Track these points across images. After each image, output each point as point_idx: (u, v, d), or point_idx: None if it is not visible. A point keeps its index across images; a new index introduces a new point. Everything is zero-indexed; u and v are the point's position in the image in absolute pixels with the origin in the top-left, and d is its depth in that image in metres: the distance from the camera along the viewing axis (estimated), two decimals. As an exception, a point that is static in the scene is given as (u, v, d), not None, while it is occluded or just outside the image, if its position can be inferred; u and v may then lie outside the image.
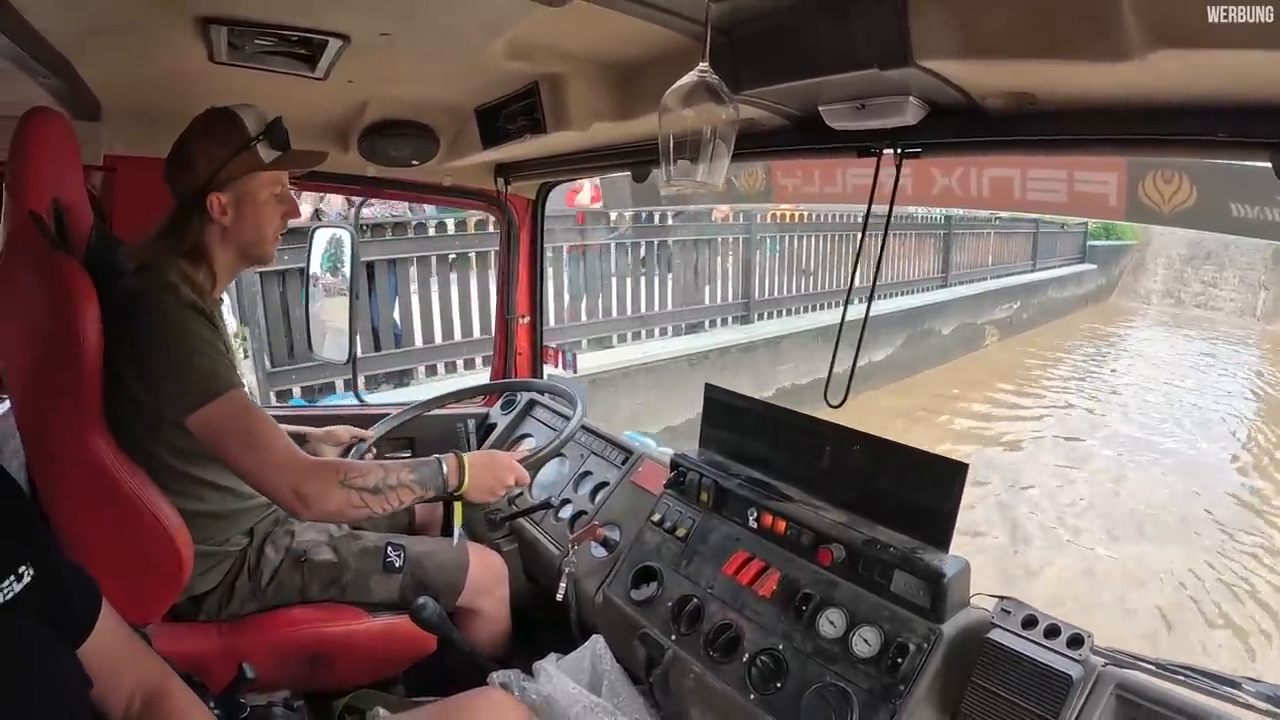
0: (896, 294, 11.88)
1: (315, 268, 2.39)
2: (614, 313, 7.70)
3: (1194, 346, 17.07)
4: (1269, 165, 1.00)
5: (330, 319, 2.41)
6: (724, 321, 8.94)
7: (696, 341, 8.19)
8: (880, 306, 10.51)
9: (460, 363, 6.39)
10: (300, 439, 2.05)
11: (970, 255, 14.44)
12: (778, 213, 10.12)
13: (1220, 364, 15.48)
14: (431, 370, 6.29)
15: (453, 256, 6.38)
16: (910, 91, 1.20)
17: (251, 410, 1.51)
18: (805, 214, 10.43)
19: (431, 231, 6.23)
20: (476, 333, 6.36)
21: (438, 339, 6.29)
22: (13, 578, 0.88)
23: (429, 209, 6.35)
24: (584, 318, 7.43)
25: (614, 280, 7.67)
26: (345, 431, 2.14)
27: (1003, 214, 19.43)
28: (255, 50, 1.52)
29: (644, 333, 7.99)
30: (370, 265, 5.46)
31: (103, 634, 1.02)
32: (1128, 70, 0.89)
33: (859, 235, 10.70)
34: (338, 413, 2.75)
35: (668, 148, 1.20)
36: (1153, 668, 1.19)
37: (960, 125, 1.27)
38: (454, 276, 6.37)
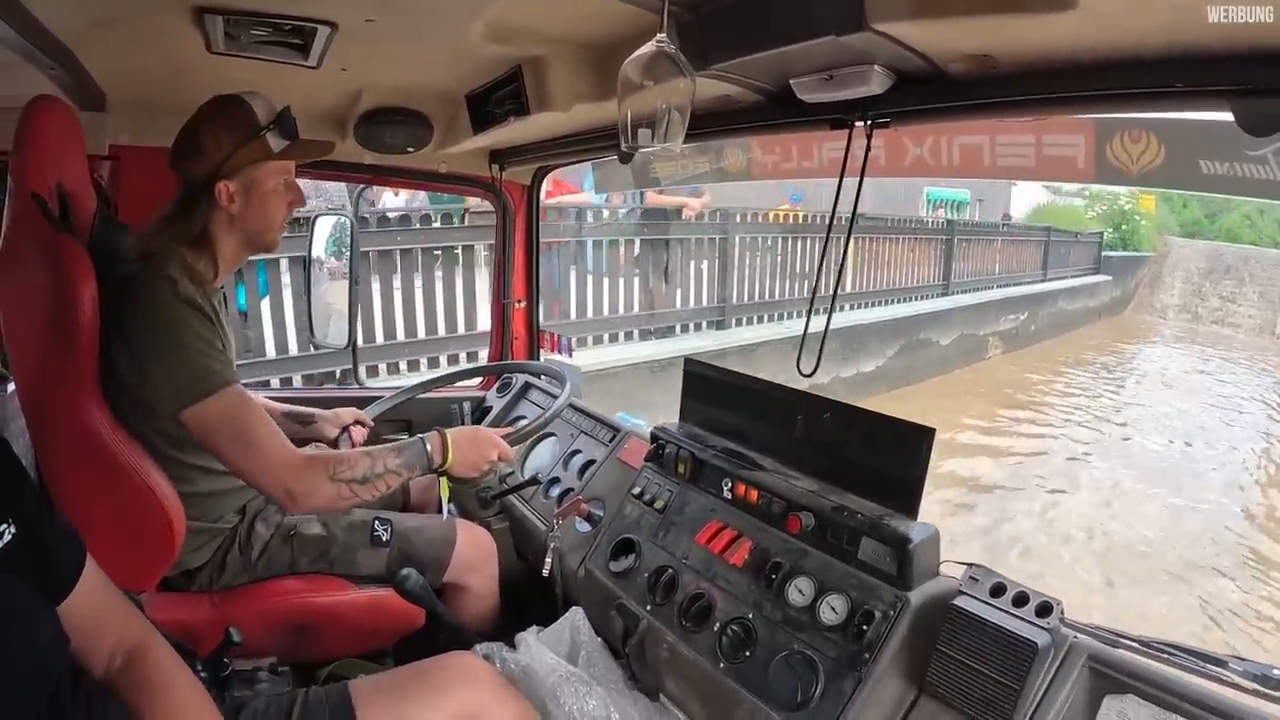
0: (892, 301, 11.35)
1: (319, 252, 2.44)
2: (572, 315, 7.22)
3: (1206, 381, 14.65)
4: (1230, 116, 0.99)
5: (334, 302, 2.46)
6: (697, 327, 8.41)
7: (664, 347, 7.70)
8: (872, 315, 10.43)
9: (404, 364, 6.01)
10: (308, 418, 2.12)
11: (975, 263, 13.88)
12: (776, 213, 9.93)
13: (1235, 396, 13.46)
14: (372, 370, 5.80)
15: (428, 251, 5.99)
16: (874, 60, 1.21)
17: (244, 407, 1.54)
18: (798, 215, 10.25)
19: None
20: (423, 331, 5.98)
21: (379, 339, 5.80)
22: None
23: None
24: (542, 319, 6.75)
25: (573, 280, 7.27)
26: (349, 414, 2.19)
27: (1012, 222, 18.98)
28: (251, 40, 1.56)
29: (607, 337, 7.58)
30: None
31: (85, 592, 1.04)
32: (1074, 20, 0.90)
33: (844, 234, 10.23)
34: (337, 395, 2.82)
35: (627, 120, 1.23)
36: (1135, 644, 1.17)
37: (927, 93, 1.28)
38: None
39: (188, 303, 1.53)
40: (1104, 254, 20.26)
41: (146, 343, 1.51)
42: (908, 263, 11.81)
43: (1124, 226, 24.38)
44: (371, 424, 2.22)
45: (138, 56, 1.72)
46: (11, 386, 1.82)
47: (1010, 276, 15.06)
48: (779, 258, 9.24)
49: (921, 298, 12.02)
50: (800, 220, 10.01)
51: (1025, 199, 25.33)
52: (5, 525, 0.92)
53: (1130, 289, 22.52)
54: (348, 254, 2.40)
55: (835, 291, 1.64)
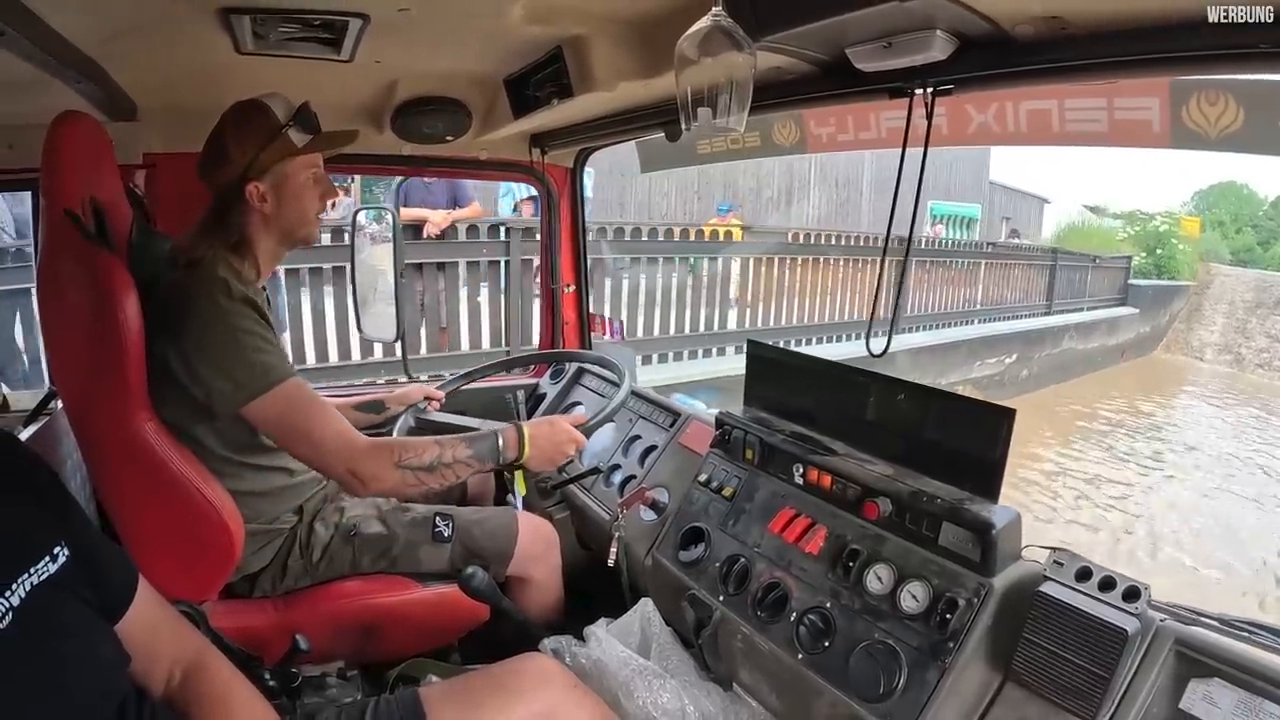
0: (815, 339, 9.08)
1: (362, 220, 2.43)
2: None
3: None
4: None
5: (379, 265, 2.45)
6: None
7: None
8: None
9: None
10: (379, 405, 2.16)
11: (946, 291, 11.25)
12: (711, 229, 8.71)
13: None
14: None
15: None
16: (936, 25, 1.15)
17: (305, 397, 1.56)
18: (732, 230, 8.90)
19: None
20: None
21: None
22: (48, 558, 0.91)
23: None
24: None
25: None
26: (417, 390, 2.23)
27: (999, 241, 16.56)
28: (280, 38, 1.55)
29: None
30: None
31: (140, 611, 1.06)
32: None
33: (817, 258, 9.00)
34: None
35: (686, 99, 1.19)
36: (1216, 623, 1.14)
37: (992, 57, 1.22)
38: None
39: (242, 300, 1.55)
40: (1131, 282, 17.85)
41: (202, 345, 1.51)
42: (844, 290, 9.47)
43: (1159, 251, 21.94)
44: (444, 399, 2.25)
45: (165, 63, 1.71)
46: (59, 404, 1.83)
47: (999, 309, 12.68)
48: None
49: (854, 336, 9.40)
50: (740, 236, 8.74)
51: (1058, 218, 24.09)
52: (59, 547, 0.93)
53: (1162, 324, 19.43)
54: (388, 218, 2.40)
55: (904, 272, 1.58)
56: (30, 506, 0.95)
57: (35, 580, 0.88)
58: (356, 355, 5.57)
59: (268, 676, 1.28)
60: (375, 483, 1.56)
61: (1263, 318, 19.58)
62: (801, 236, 9.41)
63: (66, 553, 0.94)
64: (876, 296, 2.28)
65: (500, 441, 1.65)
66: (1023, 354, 12.19)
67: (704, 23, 1.13)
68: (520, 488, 1.77)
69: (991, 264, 12.54)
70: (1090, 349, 14.71)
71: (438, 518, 1.86)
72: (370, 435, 1.61)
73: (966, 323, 11.65)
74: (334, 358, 5.47)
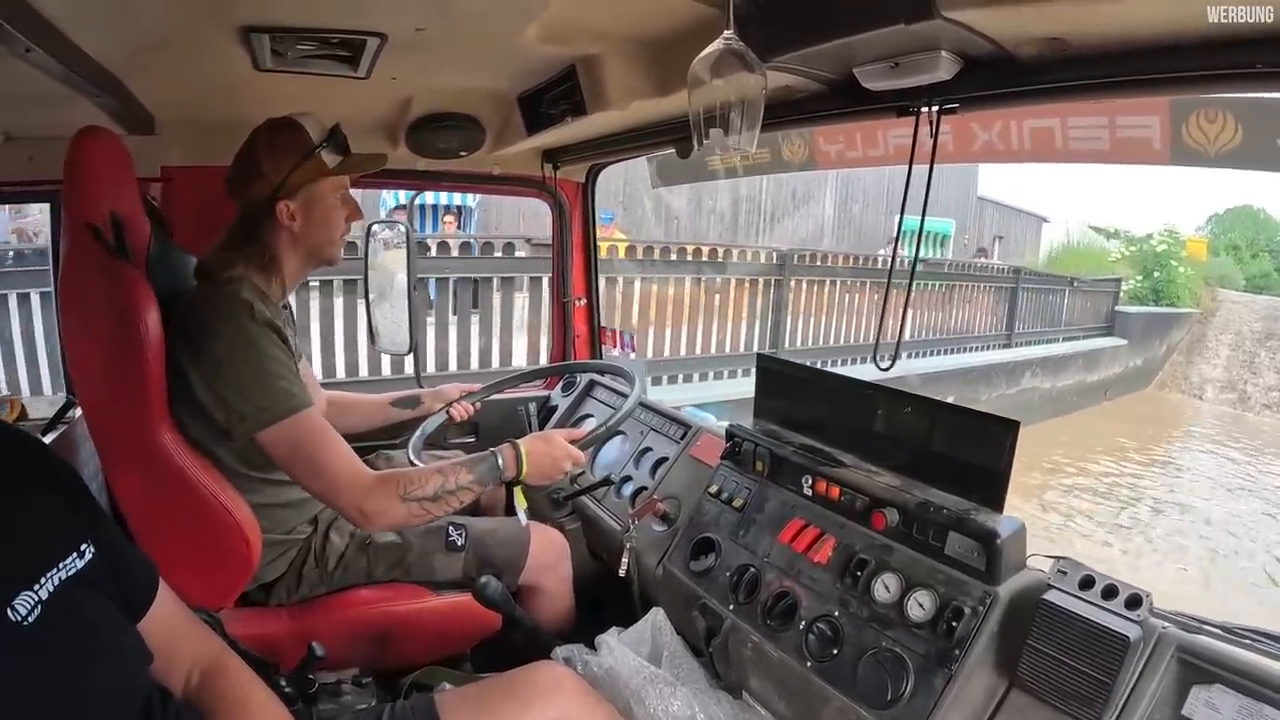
0: (688, 376, 7.68)
1: (375, 227, 2.47)
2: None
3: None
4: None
5: (395, 270, 2.47)
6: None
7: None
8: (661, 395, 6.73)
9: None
10: (414, 400, 2.23)
11: (885, 319, 8.39)
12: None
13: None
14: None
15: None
16: (941, 46, 1.18)
17: (317, 431, 1.57)
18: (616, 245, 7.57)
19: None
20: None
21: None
22: (75, 555, 0.93)
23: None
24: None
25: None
26: (453, 389, 2.28)
27: (990, 260, 14.51)
28: (298, 55, 1.58)
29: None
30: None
31: (161, 611, 1.08)
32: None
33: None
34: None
35: (699, 119, 1.22)
36: (1219, 631, 1.15)
37: (996, 77, 1.25)
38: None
39: (267, 325, 1.57)
40: (1120, 309, 15.47)
41: (224, 367, 1.53)
42: (734, 315, 8.03)
43: (1156, 274, 18.77)
44: (477, 405, 2.29)
45: (185, 79, 1.74)
46: (78, 412, 1.85)
47: (950, 339, 10.89)
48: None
49: (734, 373, 7.92)
50: (624, 251, 7.39)
51: (1060, 238, 22.25)
52: (86, 544, 0.96)
53: (1158, 356, 16.93)
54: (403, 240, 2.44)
55: (910, 288, 1.61)
56: (59, 507, 0.97)
57: (63, 576, 0.91)
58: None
59: (284, 683, 1.30)
60: (382, 518, 1.57)
61: (1274, 351, 17.34)
62: (706, 252, 8.12)
63: (93, 550, 0.96)
64: (883, 318, 2.29)
65: (500, 461, 1.67)
66: (962, 396, 9.75)
67: (716, 45, 1.16)
68: (520, 502, 1.79)
69: (955, 287, 10.87)
70: (1061, 387, 12.59)
71: (451, 527, 1.88)
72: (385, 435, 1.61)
73: (905, 356, 9.76)
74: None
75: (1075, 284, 14.08)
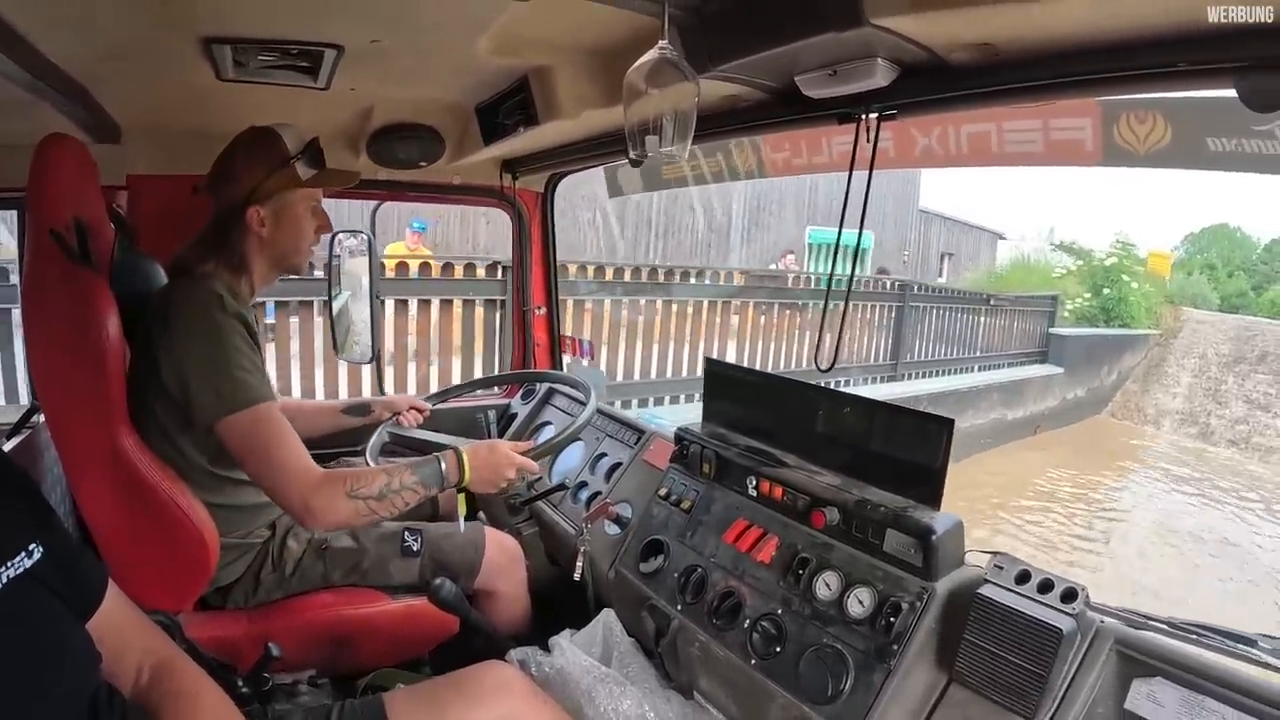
0: None
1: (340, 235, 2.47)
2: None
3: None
4: (1235, 93, 0.99)
5: (359, 275, 2.49)
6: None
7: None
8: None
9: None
10: (365, 408, 2.23)
11: (764, 344, 8.24)
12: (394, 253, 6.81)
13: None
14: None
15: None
16: (877, 53, 1.21)
17: (275, 424, 1.58)
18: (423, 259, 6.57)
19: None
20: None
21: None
22: (23, 554, 0.94)
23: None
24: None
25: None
26: (404, 400, 2.29)
27: (888, 278, 11.16)
28: (259, 66, 1.60)
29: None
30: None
31: (110, 610, 1.09)
32: (1073, 2, 0.92)
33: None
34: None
35: (634, 128, 1.25)
36: (1162, 626, 1.17)
37: (931, 83, 1.28)
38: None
39: (236, 317, 1.59)
40: (1054, 331, 13.28)
41: (193, 352, 1.55)
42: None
43: (1106, 290, 16.43)
44: (429, 411, 2.30)
45: (150, 89, 1.76)
46: (41, 418, 1.86)
47: (790, 373, 7.85)
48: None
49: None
50: (437, 269, 6.11)
51: (1012, 255, 21.02)
52: (35, 545, 0.97)
53: (1107, 385, 14.71)
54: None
55: (846, 305, 1.63)
56: (8, 508, 0.98)
57: (11, 574, 0.92)
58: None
59: (241, 684, 1.30)
60: (327, 514, 1.56)
61: (1242, 376, 14.74)
62: (610, 273, 7.02)
63: (41, 549, 0.97)
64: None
65: (443, 466, 1.68)
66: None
67: (651, 55, 1.19)
68: (462, 508, 1.80)
69: (805, 308, 8.65)
70: (972, 427, 10.09)
71: (406, 532, 1.90)
72: (347, 442, 1.62)
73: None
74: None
75: (993, 302, 11.96)
